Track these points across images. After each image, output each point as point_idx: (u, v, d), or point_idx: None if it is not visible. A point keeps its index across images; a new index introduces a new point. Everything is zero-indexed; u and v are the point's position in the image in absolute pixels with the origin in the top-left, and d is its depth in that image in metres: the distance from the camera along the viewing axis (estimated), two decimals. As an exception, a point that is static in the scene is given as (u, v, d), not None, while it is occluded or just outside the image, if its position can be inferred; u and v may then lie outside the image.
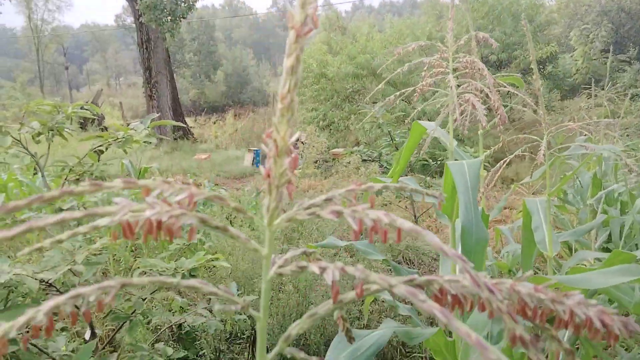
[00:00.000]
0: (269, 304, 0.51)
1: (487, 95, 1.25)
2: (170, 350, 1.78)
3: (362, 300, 2.68)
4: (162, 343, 1.85)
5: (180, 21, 15.34)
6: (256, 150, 13.16)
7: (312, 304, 2.37)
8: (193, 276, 1.60)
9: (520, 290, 0.43)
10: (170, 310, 2.63)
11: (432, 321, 2.59)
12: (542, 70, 16.04)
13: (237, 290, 2.30)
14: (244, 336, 2.83)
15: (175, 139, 17.12)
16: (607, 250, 2.87)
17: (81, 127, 23.88)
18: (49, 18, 44.98)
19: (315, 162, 12.21)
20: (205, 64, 41.29)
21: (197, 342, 2.54)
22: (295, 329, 0.50)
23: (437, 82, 1.28)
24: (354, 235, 0.42)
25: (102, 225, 0.42)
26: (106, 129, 24.23)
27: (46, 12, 44.01)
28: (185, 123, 18.96)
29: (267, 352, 0.51)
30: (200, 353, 2.71)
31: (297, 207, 0.49)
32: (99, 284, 0.42)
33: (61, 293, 1.64)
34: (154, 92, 17.24)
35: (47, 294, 1.54)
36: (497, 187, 9.58)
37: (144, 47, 17.08)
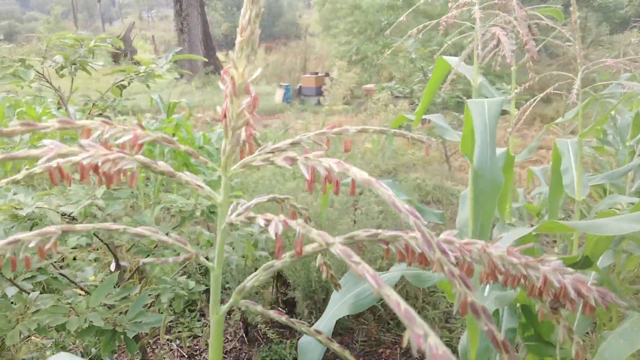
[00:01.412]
0: (223, 255, 0.48)
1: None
2: (192, 284, 1.83)
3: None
4: (186, 276, 1.90)
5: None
6: (287, 85, 13.02)
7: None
8: (213, 213, 1.61)
9: (491, 253, 0.39)
10: (197, 244, 2.69)
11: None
12: (590, 1, 15.12)
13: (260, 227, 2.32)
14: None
15: (206, 73, 17.04)
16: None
17: (114, 61, 24.01)
18: (79, -52, 44.23)
19: (344, 98, 12.03)
20: (237, -5, 40.41)
21: (223, 275, 2.61)
22: (250, 281, 0.47)
23: (467, 13, 1.19)
24: (307, 184, 0.39)
25: (37, 171, 0.39)
26: (138, 62, 24.28)
27: (77, -59, 43.26)
28: (216, 57, 18.80)
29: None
30: (226, 286, 2.78)
31: (258, 151, 0.45)
32: (40, 230, 0.40)
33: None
34: (184, 25, 17.04)
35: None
36: (535, 127, 9.30)
37: (175, -22, 16.75)
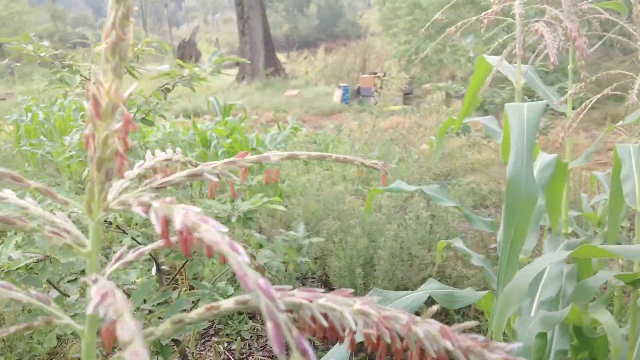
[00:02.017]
0: (96, 318, 0.34)
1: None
2: (231, 290, 1.80)
3: (434, 247, 2.58)
4: (224, 282, 1.88)
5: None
6: (345, 86, 12.97)
7: (380, 248, 2.31)
8: (249, 219, 1.58)
9: (417, 333, 0.29)
10: (249, 246, 2.68)
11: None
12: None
13: (305, 231, 2.28)
14: (315, 276, 2.84)
15: (267, 75, 17.28)
16: None
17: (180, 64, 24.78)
18: (149, -44, 46.05)
19: (394, 98, 11.83)
20: (298, -3, 40.75)
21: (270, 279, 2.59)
22: (159, 331, 0.40)
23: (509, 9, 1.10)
24: (161, 235, 0.31)
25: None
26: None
27: (146, -51, 45.06)
28: (277, 59, 19.03)
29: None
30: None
31: (142, 187, 0.39)
32: None
33: (123, 231, 1.69)
34: (246, 27, 17.35)
35: (107, 231, 1.58)
36: (607, 127, 8.77)
37: (236, -19, 17.08)
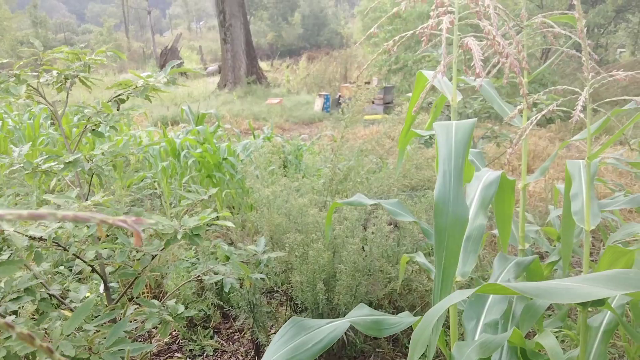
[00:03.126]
0: None
1: (516, 43, 1.02)
2: (181, 308, 1.74)
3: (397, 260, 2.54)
4: (174, 300, 1.82)
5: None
6: (326, 95, 12.97)
7: (342, 262, 2.26)
8: (196, 235, 1.53)
9: None
10: (216, 259, 2.61)
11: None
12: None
13: (265, 245, 2.23)
14: (281, 290, 2.79)
15: (248, 83, 17.22)
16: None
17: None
18: (132, -37, 45.85)
19: (385, 103, 11.87)
20: (282, 5, 40.82)
21: (232, 295, 2.53)
22: None
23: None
24: None
25: None
26: (185, 73, 24.83)
27: (130, -44, 44.86)
28: (259, 67, 18.98)
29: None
30: (239, 305, 2.69)
31: None
32: None
33: (63, 248, 1.62)
34: (227, 35, 17.29)
35: (48, 248, 1.52)
36: (601, 139, 8.82)
37: (218, -11, 17.04)
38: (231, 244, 3.66)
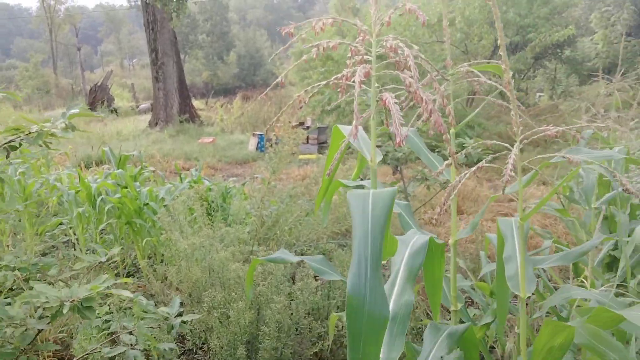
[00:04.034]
0: None
1: (442, 98, 0.92)
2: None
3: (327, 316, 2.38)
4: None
5: (186, 1, 14.98)
6: (260, 134, 12.86)
7: (265, 323, 2.07)
8: (88, 308, 1.31)
9: None
10: (133, 315, 2.35)
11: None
12: (559, 53, 15.42)
13: (182, 305, 2.01)
14: (203, 349, 2.55)
15: (181, 122, 16.86)
16: (610, 268, 2.52)
17: (90, 109, 23.77)
18: (62, -2, 44.68)
19: (320, 143, 11.87)
20: (218, 45, 40.81)
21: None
22: None
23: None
24: None
25: None
26: (115, 110, 24.09)
27: (59, -9, 43.74)
28: (192, 106, 18.69)
29: None
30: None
31: None
32: None
33: None
34: (159, 73, 16.97)
35: None
36: (538, 183, 9.05)
37: (150, 28, 16.77)
38: (152, 295, 3.39)
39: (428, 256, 1.07)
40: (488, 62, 1.46)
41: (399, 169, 4.78)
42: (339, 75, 0.93)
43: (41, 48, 49.94)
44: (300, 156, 11.24)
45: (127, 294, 1.38)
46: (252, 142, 12.92)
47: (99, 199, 3.78)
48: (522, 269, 1.11)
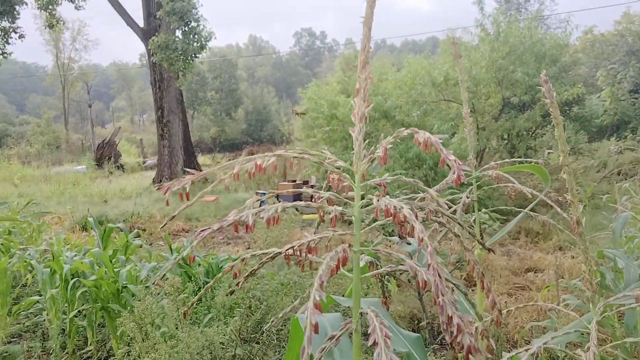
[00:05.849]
0: None
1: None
2: None
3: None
4: None
5: (193, 61, 15.10)
6: (263, 192, 12.59)
7: None
8: None
9: None
10: None
11: None
12: (568, 111, 15.27)
13: None
14: None
15: (185, 179, 16.70)
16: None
17: (97, 165, 23.80)
18: (76, 57, 45.96)
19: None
20: (226, 101, 41.45)
21: None
22: None
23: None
24: None
25: None
26: (122, 166, 24.09)
27: (73, 50, 45.02)
28: (197, 163, 18.60)
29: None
30: None
31: None
32: None
33: None
34: (165, 131, 16.96)
35: None
36: (520, 241, 8.68)
37: (157, 86, 16.91)
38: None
39: None
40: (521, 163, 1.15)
41: None
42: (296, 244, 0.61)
43: (54, 105, 50.95)
44: (305, 216, 10.90)
45: None
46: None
47: (72, 282, 3.44)
48: None
